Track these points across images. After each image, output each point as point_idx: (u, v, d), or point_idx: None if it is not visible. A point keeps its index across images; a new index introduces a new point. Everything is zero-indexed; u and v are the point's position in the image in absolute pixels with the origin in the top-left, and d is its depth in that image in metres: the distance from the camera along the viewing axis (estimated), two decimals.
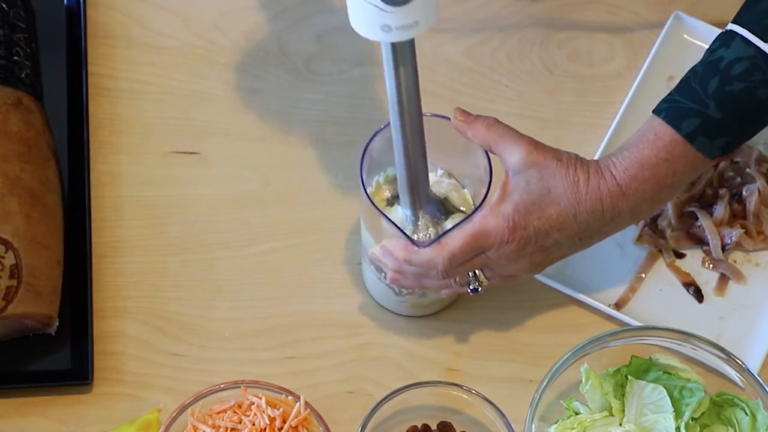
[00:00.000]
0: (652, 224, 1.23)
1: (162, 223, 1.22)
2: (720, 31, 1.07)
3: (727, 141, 1.04)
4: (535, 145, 1.05)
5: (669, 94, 1.06)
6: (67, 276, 1.16)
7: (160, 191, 1.23)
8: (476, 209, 1.06)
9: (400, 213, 1.09)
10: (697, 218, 1.22)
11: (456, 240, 1.04)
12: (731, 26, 1.04)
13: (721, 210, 1.22)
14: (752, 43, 1.02)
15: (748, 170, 1.25)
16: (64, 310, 1.15)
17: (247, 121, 1.27)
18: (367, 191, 1.06)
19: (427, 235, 1.08)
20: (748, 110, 1.03)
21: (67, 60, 1.27)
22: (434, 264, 1.05)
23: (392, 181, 1.12)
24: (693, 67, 1.06)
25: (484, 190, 1.06)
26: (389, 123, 1.03)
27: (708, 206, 1.23)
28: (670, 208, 1.22)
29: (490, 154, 1.07)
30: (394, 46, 0.97)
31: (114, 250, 1.20)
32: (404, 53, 0.98)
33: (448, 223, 1.09)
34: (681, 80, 1.06)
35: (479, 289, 1.09)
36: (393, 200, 1.11)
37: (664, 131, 1.04)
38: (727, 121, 1.03)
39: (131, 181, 1.23)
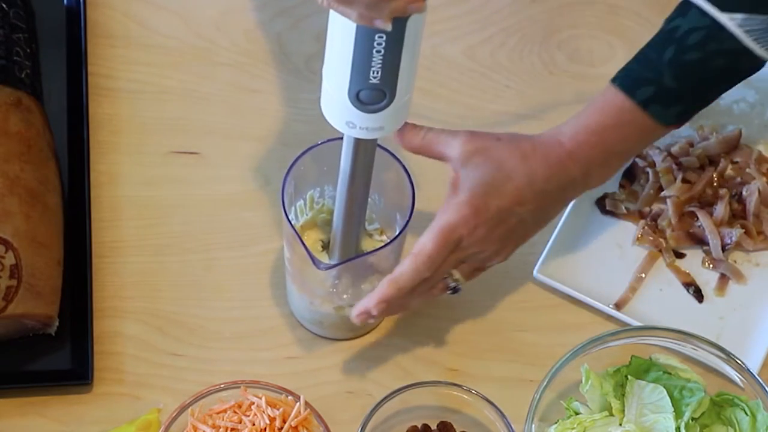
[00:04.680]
0: (652, 224, 1.23)
1: (161, 223, 1.22)
2: None
3: (682, 110, 1.04)
4: (471, 133, 1.05)
5: (626, 64, 1.06)
6: (67, 276, 1.16)
7: (160, 191, 1.23)
8: (404, 227, 1.06)
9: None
10: (697, 218, 1.22)
11: (427, 243, 1.03)
12: None
13: (721, 210, 1.22)
14: (707, 13, 1.02)
15: (748, 170, 1.25)
16: (64, 310, 1.15)
17: (247, 121, 1.27)
18: (290, 219, 1.06)
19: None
20: (702, 80, 1.03)
21: (67, 60, 1.27)
22: (420, 275, 1.04)
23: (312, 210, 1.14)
24: (652, 37, 1.06)
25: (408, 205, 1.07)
26: (306, 151, 1.07)
27: (708, 206, 1.23)
28: (670, 208, 1.22)
29: (411, 173, 1.07)
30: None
31: (114, 250, 1.20)
32: (366, 144, 0.99)
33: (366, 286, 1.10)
34: (639, 50, 1.06)
35: (459, 289, 1.07)
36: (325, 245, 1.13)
37: (615, 98, 1.04)
38: (682, 90, 1.03)
39: (131, 181, 1.23)
